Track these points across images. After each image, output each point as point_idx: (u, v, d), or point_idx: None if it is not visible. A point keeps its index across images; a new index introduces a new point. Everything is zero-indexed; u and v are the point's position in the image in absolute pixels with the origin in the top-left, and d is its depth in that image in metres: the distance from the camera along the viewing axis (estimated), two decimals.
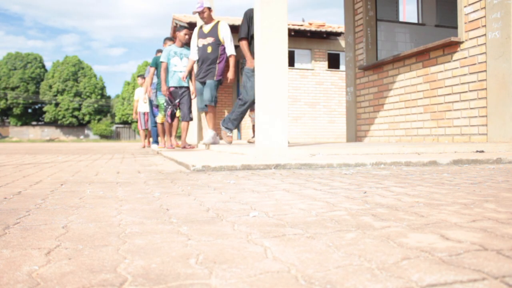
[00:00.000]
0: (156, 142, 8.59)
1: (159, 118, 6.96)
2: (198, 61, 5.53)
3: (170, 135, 6.45)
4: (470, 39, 4.56)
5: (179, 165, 3.27)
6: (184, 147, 6.10)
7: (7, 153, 6.67)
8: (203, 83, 5.48)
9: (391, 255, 0.78)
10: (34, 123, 45.76)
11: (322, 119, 13.16)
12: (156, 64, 7.10)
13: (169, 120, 6.24)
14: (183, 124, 6.14)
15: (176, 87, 6.03)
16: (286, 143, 3.47)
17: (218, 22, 5.42)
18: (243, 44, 4.87)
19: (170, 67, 6.02)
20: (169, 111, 6.15)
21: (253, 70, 4.68)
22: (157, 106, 7.31)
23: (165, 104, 6.33)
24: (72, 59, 45.13)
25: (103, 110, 46.25)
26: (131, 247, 0.88)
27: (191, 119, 6.11)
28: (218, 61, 5.39)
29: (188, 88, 6.09)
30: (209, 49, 5.34)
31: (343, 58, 13.70)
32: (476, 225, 1.04)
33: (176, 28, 6.27)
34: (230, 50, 5.35)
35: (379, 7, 6.62)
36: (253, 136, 6.28)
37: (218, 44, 5.35)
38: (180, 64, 6.05)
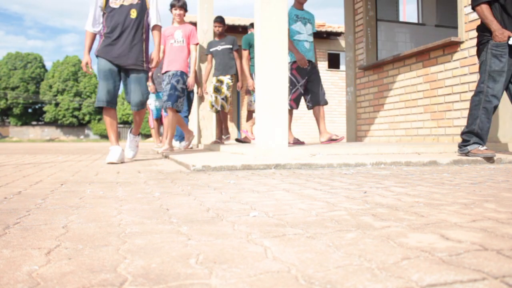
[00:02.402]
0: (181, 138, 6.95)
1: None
2: (109, 29, 3.66)
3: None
4: (470, 39, 4.56)
5: (179, 165, 3.27)
6: (332, 140, 4.71)
7: (7, 153, 6.66)
8: (117, 66, 3.67)
9: (391, 255, 0.78)
10: (34, 123, 45.76)
11: None
12: (250, 45, 5.39)
13: (294, 106, 4.59)
14: (321, 110, 4.68)
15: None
16: (286, 143, 3.47)
17: None
18: (484, 9, 3.30)
19: (291, 35, 4.55)
20: (294, 95, 4.54)
21: (504, 47, 3.21)
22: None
23: (294, 80, 4.59)
24: (72, 59, 45.12)
25: None
26: (131, 247, 0.88)
27: (326, 102, 4.70)
28: (144, 36, 3.80)
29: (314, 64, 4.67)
30: (134, 14, 3.69)
31: (343, 58, 13.71)
32: (476, 225, 1.04)
33: None
34: (155, 18, 3.84)
35: (379, 7, 6.61)
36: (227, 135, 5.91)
37: (144, 9, 3.77)
38: (305, 31, 4.63)
